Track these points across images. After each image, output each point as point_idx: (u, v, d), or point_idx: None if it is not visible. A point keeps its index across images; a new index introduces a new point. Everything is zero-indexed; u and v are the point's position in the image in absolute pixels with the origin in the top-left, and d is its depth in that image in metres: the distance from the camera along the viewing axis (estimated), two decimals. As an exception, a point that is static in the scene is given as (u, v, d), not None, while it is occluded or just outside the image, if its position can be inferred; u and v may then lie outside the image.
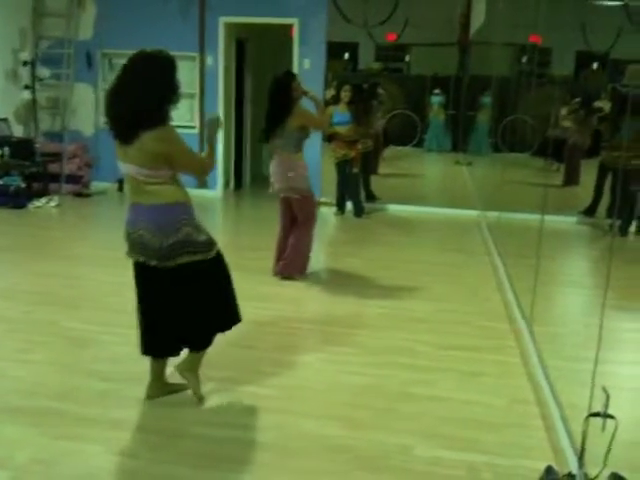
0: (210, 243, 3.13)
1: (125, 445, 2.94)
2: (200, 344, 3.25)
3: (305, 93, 5.19)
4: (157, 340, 3.21)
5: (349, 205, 8.08)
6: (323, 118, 5.31)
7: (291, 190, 5.16)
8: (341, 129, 7.58)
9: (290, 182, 5.14)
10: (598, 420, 2.41)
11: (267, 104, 5.17)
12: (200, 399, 3.27)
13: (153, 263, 3.05)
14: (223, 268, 3.24)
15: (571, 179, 7.25)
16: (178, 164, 3.04)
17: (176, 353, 3.27)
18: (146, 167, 2.96)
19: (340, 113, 7.58)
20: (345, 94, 7.57)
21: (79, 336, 4.07)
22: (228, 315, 3.28)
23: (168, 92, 2.97)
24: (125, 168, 3.04)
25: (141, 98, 2.91)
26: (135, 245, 3.08)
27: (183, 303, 3.13)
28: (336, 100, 7.75)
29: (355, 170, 7.77)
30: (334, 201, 8.14)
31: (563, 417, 3.01)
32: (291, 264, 5.31)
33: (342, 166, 7.78)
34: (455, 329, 4.40)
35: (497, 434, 3.07)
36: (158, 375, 3.30)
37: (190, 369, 3.26)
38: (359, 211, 7.98)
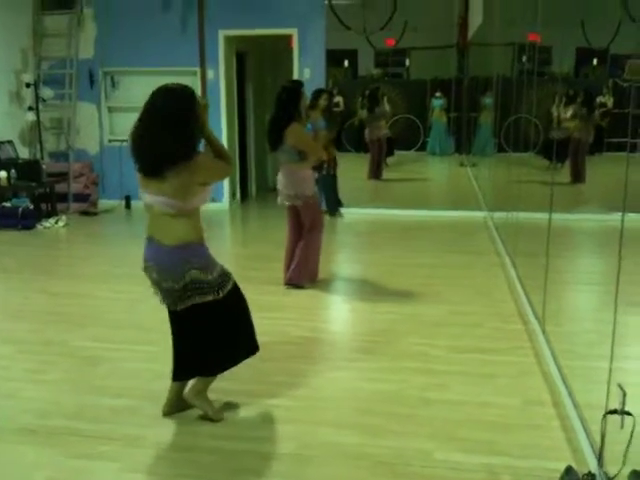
0: (221, 282, 3.08)
1: (141, 461, 2.93)
2: (209, 371, 3.23)
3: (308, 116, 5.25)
4: (180, 366, 3.24)
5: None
6: (316, 145, 5.26)
7: (295, 197, 5.18)
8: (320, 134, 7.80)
9: (294, 189, 5.16)
10: (616, 418, 2.38)
11: (273, 110, 5.20)
12: (216, 419, 3.24)
13: (166, 303, 3.09)
14: (238, 301, 3.22)
15: (577, 176, 7.22)
16: (212, 181, 3.13)
17: (195, 375, 3.28)
18: (176, 198, 2.93)
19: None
20: (323, 102, 7.68)
21: (90, 354, 4.07)
22: (242, 347, 3.28)
23: (193, 126, 2.95)
24: (149, 199, 3.01)
25: (168, 137, 2.87)
26: (152, 281, 3.10)
27: (196, 338, 3.14)
28: (312, 106, 7.87)
29: (332, 171, 8.05)
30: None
31: (580, 416, 2.98)
32: (299, 273, 5.30)
33: (316, 170, 7.93)
34: (468, 331, 4.39)
35: (515, 436, 3.05)
36: (177, 393, 3.29)
37: (197, 394, 3.24)
38: (334, 210, 8.29)
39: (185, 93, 2.99)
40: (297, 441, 3.04)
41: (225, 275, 3.12)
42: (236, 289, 3.19)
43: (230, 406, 3.37)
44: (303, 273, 5.31)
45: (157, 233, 3.02)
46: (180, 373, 3.26)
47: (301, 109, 5.14)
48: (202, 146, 3.15)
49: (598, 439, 2.53)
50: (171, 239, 2.98)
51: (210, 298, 3.03)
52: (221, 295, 3.06)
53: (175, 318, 3.16)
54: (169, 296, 3.05)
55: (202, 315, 3.08)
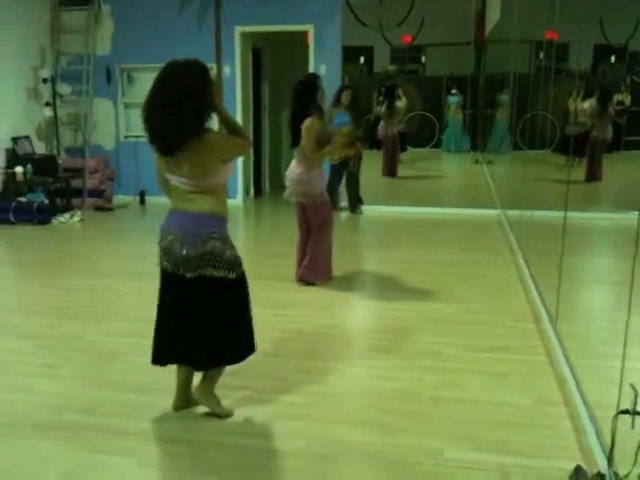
0: (235, 262, 3.07)
1: (156, 456, 2.97)
2: (210, 363, 3.20)
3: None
4: (170, 349, 3.17)
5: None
6: (320, 150, 5.10)
7: (303, 195, 5.16)
8: (342, 130, 7.78)
9: (301, 187, 5.14)
10: (627, 418, 2.38)
11: (291, 106, 5.21)
12: (225, 416, 3.24)
13: (178, 271, 3.02)
14: (243, 294, 3.19)
15: (593, 175, 7.17)
16: (230, 157, 3.11)
17: (187, 362, 3.23)
18: (195, 178, 2.95)
19: (341, 114, 7.75)
20: (346, 98, 7.78)
21: (105, 349, 4.11)
22: (241, 344, 3.22)
23: (206, 100, 2.93)
24: (173, 179, 3.02)
25: (181, 110, 2.85)
26: (164, 251, 3.05)
27: (200, 316, 3.08)
28: (336, 102, 7.92)
29: (355, 168, 8.09)
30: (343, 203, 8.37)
31: (591, 416, 2.98)
32: (311, 271, 5.32)
33: (340, 165, 8.00)
34: (481, 330, 4.38)
35: (526, 435, 3.05)
36: (184, 387, 3.30)
37: (204, 394, 3.25)
38: (356, 206, 8.43)
39: (199, 67, 2.96)
40: (308, 438, 3.05)
41: (239, 258, 3.12)
42: (245, 279, 3.18)
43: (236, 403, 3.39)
44: (314, 272, 5.31)
45: (182, 205, 3.03)
46: (171, 356, 3.19)
47: (319, 102, 5.12)
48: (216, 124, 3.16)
49: (609, 439, 2.53)
50: (197, 207, 3.00)
51: (222, 274, 3.02)
52: (233, 276, 3.05)
53: (181, 289, 3.06)
54: (182, 263, 2.99)
55: (210, 292, 3.04)
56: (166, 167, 3.01)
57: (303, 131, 5.03)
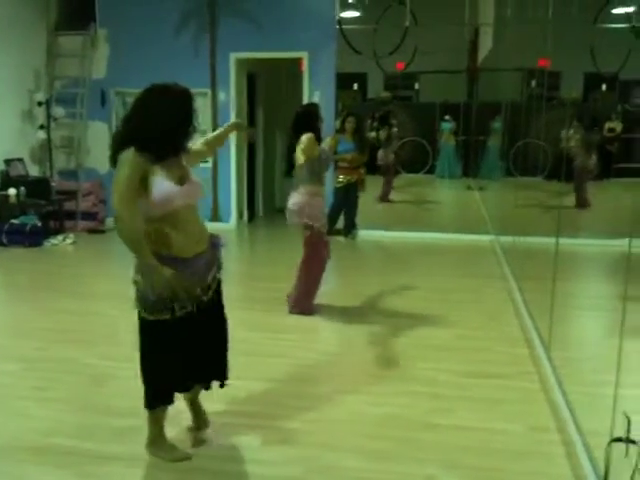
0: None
1: (145, 482, 2.94)
2: (226, 369, 3.22)
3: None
4: (188, 377, 3.11)
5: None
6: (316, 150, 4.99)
7: (304, 227, 5.04)
8: (346, 156, 8.10)
9: (304, 218, 5.00)
10: (621, 446, 2.38)
11: (291, 133, 5.15)
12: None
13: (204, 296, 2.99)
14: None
15: (580, 202, 7.21)
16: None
17: (210, 378, 3.23)
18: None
19: (345, 142, 8.00)
20: (349, 125, 8.07)
21: (97, 372, 4.08)
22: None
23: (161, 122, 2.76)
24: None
25: (137, 126, 2.77)
26: (194, 291, 2.95)
27: (220, 326, 3.17)
28: (341, 129, 8.13)
29: (359, 193, 8.37)
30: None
31: (585, 443, 2.97)
32: (296, 303, 5.23)
33: (345, 190, 8.23)
34: (474, 356, 4.38)
35: (520, 463, 3.04)
36: (195, 405, 3.33)
37: (196, 398, 3.31)
38: (351, 230, 8.48)
39: (178, 93, 2.82)
40: (303, 465, 3.03)
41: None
42: None
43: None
44: (299, 304, 5.22)
45: (202, 237, 3.02)
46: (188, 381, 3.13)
47: (319, 131, 5.08)
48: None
49: (603, 467, 2.52)
50: (205, 230, 3.06)
51: (220, 275, 3.11)
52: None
53: (205, 314, 3.01)
54: (207, 290, 3.00)
55: (220, 297, 3.14)
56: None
57: (302, 144, 4.91)
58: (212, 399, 3.45)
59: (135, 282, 2.87)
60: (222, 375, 3.20)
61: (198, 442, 3.23)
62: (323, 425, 3.43)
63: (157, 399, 3.04)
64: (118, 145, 2.79)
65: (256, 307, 5.37)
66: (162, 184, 2.77)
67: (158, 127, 2.75)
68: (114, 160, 2.80)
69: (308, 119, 5.06)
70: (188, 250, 2.90)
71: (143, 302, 2.86)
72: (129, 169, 2.71)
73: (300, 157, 4.98)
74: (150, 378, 3.01)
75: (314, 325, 5.05)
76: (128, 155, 2.71)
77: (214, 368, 3.17)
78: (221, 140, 3.58)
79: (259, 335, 4.73)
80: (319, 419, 3.49)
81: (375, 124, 9.68)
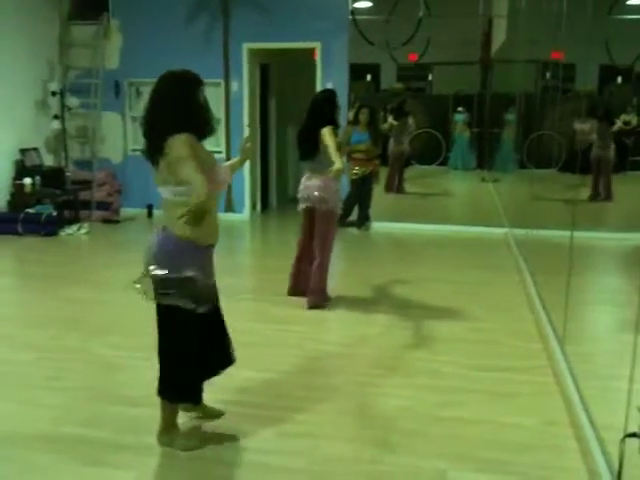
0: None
1: (157, 471, 2.95)
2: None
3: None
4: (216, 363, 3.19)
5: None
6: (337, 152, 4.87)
7: (317, 200, 5.00)
8: (360, 147, 8.10)
9: (319, 191, 4.98)
10: (635, 441, 2.35)
11: (305, 120, 5.09)
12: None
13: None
14: None
15: (598, 194, 7.15)
16: (175, 172, 2.75)
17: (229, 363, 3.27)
18: (170, 184, 2.84)
19: (359, 133, 8.06)
20: (363, 116, 8.11)
21: (110, 362, 4.10)
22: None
23: (184, 108, 2.81)
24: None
25: (162, 118, 2.80)
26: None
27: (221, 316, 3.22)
28: (355, 121, 8.18)
29: (373, 185, 8.40)
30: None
31: (598, 438, 2.95)
32: (317, 293, 5.17)
33: (360, 181, 8.22)
34: (486, 349, 4.36)
35: (531, 456, 3.02)
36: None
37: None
38: (364, 222, 8.46)
39: (188, 79, 2.89)
40: (312, 456, 3.03)
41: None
42: None
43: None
44: (321, 293, 5.20)
45: (217, 229, 3.09)
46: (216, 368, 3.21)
47: (337, 118, 5.07)
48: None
49: (616, 462, 2.50)
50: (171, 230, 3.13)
51: None
52: None
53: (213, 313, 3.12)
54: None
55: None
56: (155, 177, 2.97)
57: (324, 137, 4.84)
58: (223, 390, 3.46)
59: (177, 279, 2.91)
60: (230, 360, 3.23)
61: (208, 432, 3.23)
62: (331, 417, 3.42)
63: (181, 395, 3.10)
64: (161, 132, 2.75)
65: (267, 297, 5.37)
66: (221, 164, 2.91)
67: (196, 110, 2.83)
68: (156, 148, 2.78)
69: (326, 106, 5.02)
70: (207, 238, 2.95)
71: (191, 295, 2.90)
72: (189, 148, 2.71)
73: (330, 143, 4.83)
74: (177, 372, 3.03)
75: (325, 316, 5.05)
76: (181, 137, 2.71)
77: (226, 356, 3.21)
78: (233, 171, 3.43)
79: (270, 327, 4.73)
80: (327, 410, 3.48)
81: (390, 115, 9.66)
